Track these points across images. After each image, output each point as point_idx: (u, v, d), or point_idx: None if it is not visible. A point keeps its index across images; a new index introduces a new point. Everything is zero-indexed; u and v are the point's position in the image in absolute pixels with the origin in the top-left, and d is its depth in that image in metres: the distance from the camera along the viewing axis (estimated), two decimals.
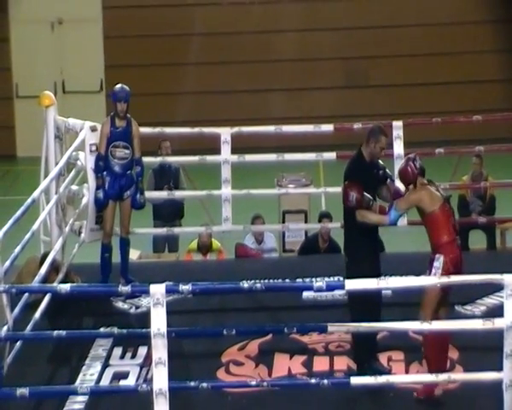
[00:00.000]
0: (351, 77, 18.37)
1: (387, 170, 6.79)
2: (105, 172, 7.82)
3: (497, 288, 6.64)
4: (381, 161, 6.81)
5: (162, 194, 9.65)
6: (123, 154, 7.82)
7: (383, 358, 6.74)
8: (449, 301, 6.54)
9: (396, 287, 6.24)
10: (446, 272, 6.25)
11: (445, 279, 6.08)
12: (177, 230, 9.78)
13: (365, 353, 6.62)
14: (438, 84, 18.00)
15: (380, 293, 6.55)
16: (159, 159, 9.76)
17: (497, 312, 6.38)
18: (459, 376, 6.32)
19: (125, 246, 8.02)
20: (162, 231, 9.71)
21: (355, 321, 6.32)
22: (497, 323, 5.81)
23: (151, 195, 9.60)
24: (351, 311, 6.62)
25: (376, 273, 6.39)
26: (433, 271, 6.33)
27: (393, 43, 18.07)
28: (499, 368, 5.79)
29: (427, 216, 6.40)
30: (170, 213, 10.34)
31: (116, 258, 8.09)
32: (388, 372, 6.54)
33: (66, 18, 18.26)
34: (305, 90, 18.10)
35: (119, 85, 7.95)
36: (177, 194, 9.68)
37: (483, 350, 6.35)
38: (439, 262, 6.34)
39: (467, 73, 17.97)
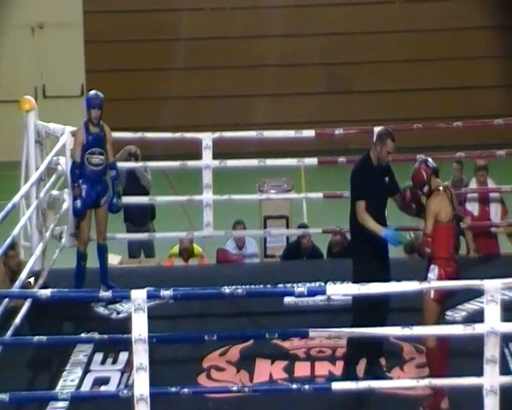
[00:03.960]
0: (333, 82, 18.42)
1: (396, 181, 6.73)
2: (81, 180, 7.77)
3: (478, 293, 6.67)
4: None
5: (144, 199, 9.62)
6: (99, 160, 7.79)
7: (363, 363, 6.74)
8: (444, 311, 6.51)
9: (377, 293, 6.24)
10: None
11: (426, 285, 6.10)
12: (158, 235, 9.76)
13: (355, 355, 6.59)
14: (419, 91, 18.08)
15: (386, 297, 6.45)
16: (140, 164, 9.75)
17: (477, 317, 6.41)
18: (440, 381, 6.32)
19: (103, 252, 7.98)
20: (143, 236, 9.69)
21: (355, 325, 6.31)
22: (478, 328, 5.83)
23: (127, 199, 9.59)
24: (353, 314, 6.61)
25: (379, 277, 6.26)
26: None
27: (375, 49, 18.14)
28: (480, 373, 5.82)
29: (435, 227, 6.32)
30: (141, 216, 10.31)
31: (91, 264, 8.07)
32: (385, 377, 6.54)
33: (46, 22, 18.21)
34: (288, 96, 18.13)
35: (92, 92, 7.92)
36: (159, 199, 9.67)
37: (464, 355, 6.37)
38: (433, 274, 6.28)
39: (449, 80, 18.07)
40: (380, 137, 6.64)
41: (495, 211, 9.08)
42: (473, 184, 9.25)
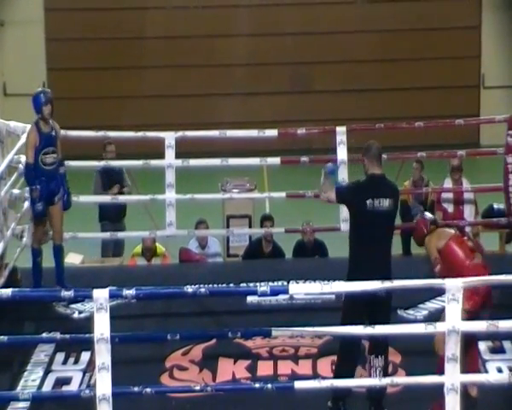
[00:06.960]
0: (295, 82, 18.47)
1: None
2: (36, 181, 7.70)
3: (439, 292, 6.72)
4: None
5: (106, 198, 9.60)
6: (52, 159, 7.76)
7: (327, 362, 6.78)
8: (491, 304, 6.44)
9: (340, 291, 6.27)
10: (477, 295, 6.18)
11: (388, 284, 6.13)
12: (120, 234, 9.72)
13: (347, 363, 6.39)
14: (382, 91, 18.19)
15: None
16: (102, 163, 9.70)
17: (438, 316, 6.46)
18: (402, 379, 6.37)
19: (59, 253, 7.92)
20: (105, 235, 9.64)
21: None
22: (439, 327, 5.88)
23: (97, 198, 9.57)
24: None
25: None
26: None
27: (338, 49, 18.22)
28: (441, 372, 5.87)
29: (443, 252, 6.50)
30: (116, 214, 10.29)
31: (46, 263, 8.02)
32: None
33: (7, 20, 18.06)
34: (251, 95, 18.16)
35: (40, 89, 7.88)
36: (121, 198, 9.65)
37: (425, 354, 6.42)
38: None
39: (410, 80, 18.19)
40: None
41: (469, 212, 9.16)
42: (448, 184, 9.32)
